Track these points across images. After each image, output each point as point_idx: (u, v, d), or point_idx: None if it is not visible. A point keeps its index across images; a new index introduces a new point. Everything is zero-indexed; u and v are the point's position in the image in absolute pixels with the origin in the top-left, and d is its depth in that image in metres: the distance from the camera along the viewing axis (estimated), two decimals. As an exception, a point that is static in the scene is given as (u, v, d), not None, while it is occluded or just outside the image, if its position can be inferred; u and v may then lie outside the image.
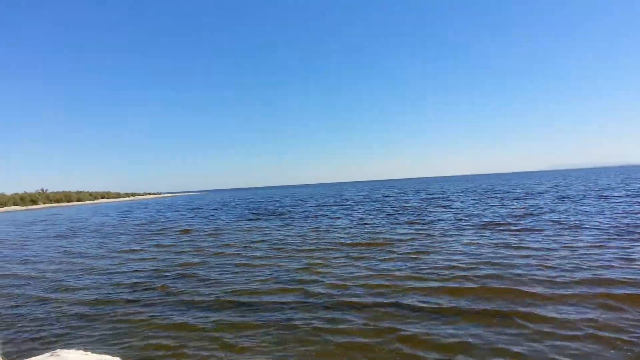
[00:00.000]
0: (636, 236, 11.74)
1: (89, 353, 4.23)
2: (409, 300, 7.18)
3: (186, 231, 20.77)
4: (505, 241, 12.30)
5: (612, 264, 8.79)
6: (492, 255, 10.43)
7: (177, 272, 10.79)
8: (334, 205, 35.24)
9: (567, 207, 20.93)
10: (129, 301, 8.25)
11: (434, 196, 40.53)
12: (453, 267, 9.34)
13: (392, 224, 18.59)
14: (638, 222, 14.27)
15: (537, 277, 8.06)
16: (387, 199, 41.17)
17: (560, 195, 30.03)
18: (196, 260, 12.33)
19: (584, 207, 20.64)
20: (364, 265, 10.30)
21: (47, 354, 4.13)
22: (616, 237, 11.82)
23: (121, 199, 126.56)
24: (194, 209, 44.28)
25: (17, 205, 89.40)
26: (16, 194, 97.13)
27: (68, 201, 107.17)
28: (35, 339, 6.33)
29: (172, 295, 8.50)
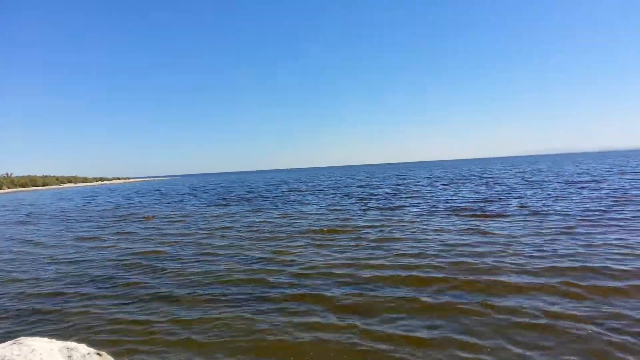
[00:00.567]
0: (601, 222, 11.90)
1: (54, 340, 4.07)
2: (374, 291, 6.98)
3: (150, 217, 20.07)
4: (472, 227, 12.30)
5: (578, 250, 8.82)
6: (458, 242, 10.37)
7: (137, 261, 10.29)
8: (304, 191, 34.95)
9: (534, 192, 21.30)
10: (83, 294, 7.77)
11: (405, 181, 40.77)
12: (419, 255, 9.20)
13: (361, 209, 18.46)
14: (601, 207, 14.56)
15: (501, 266, 7.99)
16: (358, 184, 41.18)
17: (528, 181, 30.64)
18: (159, 248, 11.82)
19: (551, 192, 21.04)
20: (331, 253, 10.06)
21: (10, 341, 3.93)
22: (580, 223, 11.97)
23: (88, 184, 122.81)
24: (162, 194, 43.12)
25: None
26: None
27: (34, 186, 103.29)
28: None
29: (129, 287, 8.05)
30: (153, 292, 7.62)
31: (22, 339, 3.95)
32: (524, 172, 45.93)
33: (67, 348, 3.93)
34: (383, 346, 4.96)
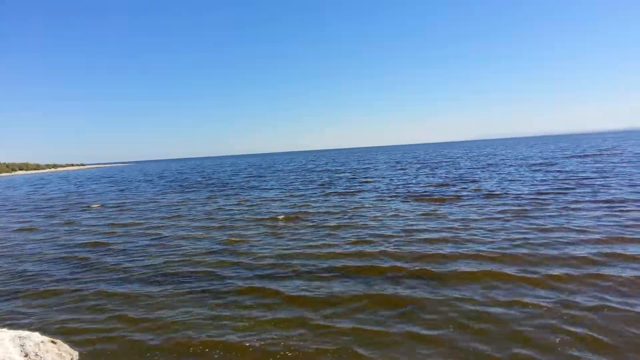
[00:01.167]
0: (550, 206, 12.19)
1: (5, 329, 4.07)
2: (328, 282, 6.78)
3: (99, 206, 19.10)
4: (429, 212, 12.34)
5: (527, 235, 8.93)
6: (415, 228, 10.33)
7: (75, 254, 9.62)
8: (266, 176, 34.39)
9: (488, 175, 21.78)
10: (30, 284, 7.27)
11: (365, 166, 40.95)
12: (375, 243, 9.07)
13: (322, 195, 18.25)
14: (551, 189, 14.99)
15: (455, 252, 7.98)
16: (318, 169, 41.02)
17: (484, 164, 31.40)
18: (102, 239, 11.15)
19: (506, 175, 21.56)
20: (287, 242, 9.78)
21: None
22: (531, 206, 12.24)
23: (41, 171, 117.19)
24: (116, 181, 41.33)
25: None
26: None
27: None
28: None
29: (60, 282, 7.48)
30: (104, 286, 7.15)
31: (-25, 331, 3.79)
32: (483, 155, 47.16)
33: (19, 337, 3.89)
34: (333, 341, 4.76)
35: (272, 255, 8.52)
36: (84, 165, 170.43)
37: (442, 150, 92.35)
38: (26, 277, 8.05)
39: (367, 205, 14.36)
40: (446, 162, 39.30)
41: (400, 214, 12.26)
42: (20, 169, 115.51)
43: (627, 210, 10.69)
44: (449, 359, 4.28)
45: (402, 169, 32.65)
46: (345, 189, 20.11)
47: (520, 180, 19.00)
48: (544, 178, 19.20)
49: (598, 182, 16.27)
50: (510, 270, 6.74)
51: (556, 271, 6.54)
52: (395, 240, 9.13)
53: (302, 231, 10.79)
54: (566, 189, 15.17)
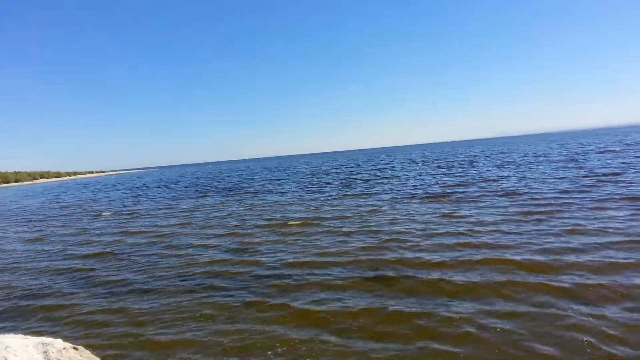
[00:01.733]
0: (575, 206, 11.61)
1: (29, 336, 4.04)
2: (339, 295, 6.40)
3: (111, 214, 19.06)
4: (444, 212, 11.92)
5: (552, 238, 8.42)
6: (431, 231, 9.88)
7: (84, 265, 9.48)
8: (282, 179, 34.15)
9: (507, 174, 21.09)
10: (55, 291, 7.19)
11: (381, 167, 40.42)
12: (392, 249, 8.65)
13: (338, 198, 17.88)
14: (574, 188, 14.34)
15: (470, 259, 7.51)
16: (335, 171, 40.61)
17: (503, 162, 30.64)
18: (107, 249, 11.02)
19: (524, 173, 20.86)
20: (297, 247, 9.44)
21: None
22: (554, 206, 11.66)
23: (61, 179, 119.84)
24: (132, 187, 41.73)
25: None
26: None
27: (5, 182, 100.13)
28: None
29: (102, 284, 7.30)
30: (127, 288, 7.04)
31: (-5, 336, 3.91)
32: (499, 153, 46.18)
33: (43, 344, 3.88)
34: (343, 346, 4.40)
35: (283, 264, 8.17)
36: (103, 172, 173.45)
37: (459, 148, 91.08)
38: (37, 289, 7.90)
39: (383, 208, 13.91)
40: (463, 160, 38.52)
41: (417, 217, 11.79)
42: (41, 177, 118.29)
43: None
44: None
45: (418, 169, 32.06)
46: (361, 191, 19.70)
47: (540, 178, 18.31)
48: (565, 175, 18.49)
49: (624, 179, 15.54)
50: (538, 278, 6.21)
51: (586, 279, 6.03)
52: (413, 246, 8.67)
53: (315, 237, 10.42)
54: (590, 186, 14.53)
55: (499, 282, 6.18)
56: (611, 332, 4.50)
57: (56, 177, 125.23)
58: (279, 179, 34.87)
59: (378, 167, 41.36)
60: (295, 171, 48.09)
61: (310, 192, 21.78)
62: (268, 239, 10.61)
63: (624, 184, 14.30)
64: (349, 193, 19.41)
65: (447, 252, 8.00)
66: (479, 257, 7.44)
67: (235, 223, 13.49)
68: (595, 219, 9.72)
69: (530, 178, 18.74)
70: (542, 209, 11.32)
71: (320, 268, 7.71)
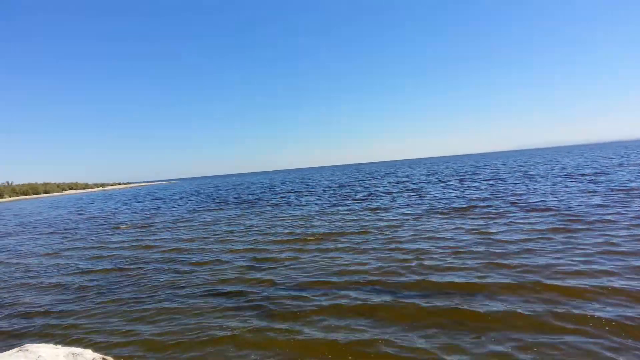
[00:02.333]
0: (609, 223, 10.85)
1: (60, 346, 4.14)
2: (350, 319, 5.92)
3: (128, 227, 19.03)
4: (468, 228, 11.31)
5: (587, 258, 7.74)
6: (456, 249, 9.30)
7: (104, 280, 9.27)
8: (302, 192, 33.85)
9: (533, 187, 20.20)
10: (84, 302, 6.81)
11: (404, 179, 39.71)
12: (409, 269, 8.10)
13: (359, 211, 17.39)
14: (605, 202, 13.50)
15: (497, 282, 6.93)
16: (356, 184, 40.09)
17: (528, 175, 29.62)
18: (124, 265, 10.81)
19: (551, 187, 19.94)
20: (312, 264, 9.01)
21: (16, 349, 4.02)
22: (586, 224, 10.91)
23: (89, 190, 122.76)
24: (156, 198, 42.27)
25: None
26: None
27: (35, 193, 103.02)
28: None
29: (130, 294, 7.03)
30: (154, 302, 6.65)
31: (28, 346, 4.01)
32: (523, 165, 44.88)
33: (73, 354, 3.97)
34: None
35: (297, 284, 7.75)
36: (129, 183, 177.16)
37: (482, 160, 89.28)
38: (55, 303, 7.69)
39: (406, 223, 13.36)
40: (487, 173, 37.48)
41: (440, 234, 11.17)
42: (70, 188, 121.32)
43: None
44: None
45: (441, 182, 31.28)
46: (382, 205, 19.14)
47: (568, 191, 17.44)
48: (594, 189, 17.58)
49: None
50: (580, 308, 5.59)
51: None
52: (435, 268, 8.08)
53: (332, 254, 9.96)
54: (623, 201, 13.69)
55: (528, 316, 5.57)
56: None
57: (84, 188, 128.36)
58: (300, 191, 34.57)
59: (400, 179, 40.66)
60: (315, 183, 47.78)
61: (329, 205, 21.37)
62: (284, 257, 10.19)
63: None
64: (371, 206, 18.89)
65: (475, 273, 7.44)
66: (510, 281, 6.85)
67: (251, 238, 13.12)
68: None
69: (560, 192, 17.87)
70: (578, 226, 10.59)
71: (336, 289, 7.24)
